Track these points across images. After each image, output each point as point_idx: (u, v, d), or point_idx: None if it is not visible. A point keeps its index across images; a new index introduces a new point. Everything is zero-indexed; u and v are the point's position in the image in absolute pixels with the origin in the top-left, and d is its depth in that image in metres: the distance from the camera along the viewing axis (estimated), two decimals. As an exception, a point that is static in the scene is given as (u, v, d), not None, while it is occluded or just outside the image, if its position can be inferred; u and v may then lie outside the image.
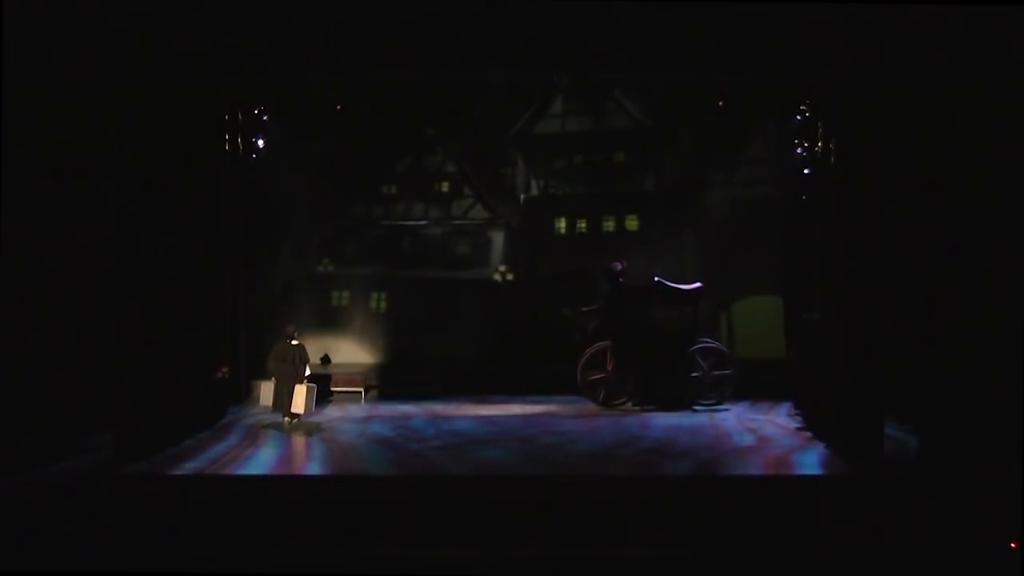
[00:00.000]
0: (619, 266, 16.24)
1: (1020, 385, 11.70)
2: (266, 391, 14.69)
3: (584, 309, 16.53)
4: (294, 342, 14.47)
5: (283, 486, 11.20)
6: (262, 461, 12.04)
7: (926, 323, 13.71)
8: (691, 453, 12.51)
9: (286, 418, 14.30)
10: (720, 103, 16.50)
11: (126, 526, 10.14)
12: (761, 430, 14.16)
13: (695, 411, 15.69)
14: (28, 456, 11.42)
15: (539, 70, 16.18)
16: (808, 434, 13.53)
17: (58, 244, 13.07)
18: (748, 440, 13.41)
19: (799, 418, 14.65)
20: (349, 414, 15.75)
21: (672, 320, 16.01)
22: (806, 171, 16.63)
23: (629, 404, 16.13)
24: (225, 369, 15.24)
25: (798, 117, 16.57)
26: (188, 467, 11.65)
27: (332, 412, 15.78)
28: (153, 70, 13.92)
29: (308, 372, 14.50)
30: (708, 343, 16.20)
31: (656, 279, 16.03)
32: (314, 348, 15.66)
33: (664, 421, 14.94)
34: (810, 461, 12.04)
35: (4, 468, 10.98)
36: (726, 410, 15.75)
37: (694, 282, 16.19)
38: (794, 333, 15.90)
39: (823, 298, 15.89)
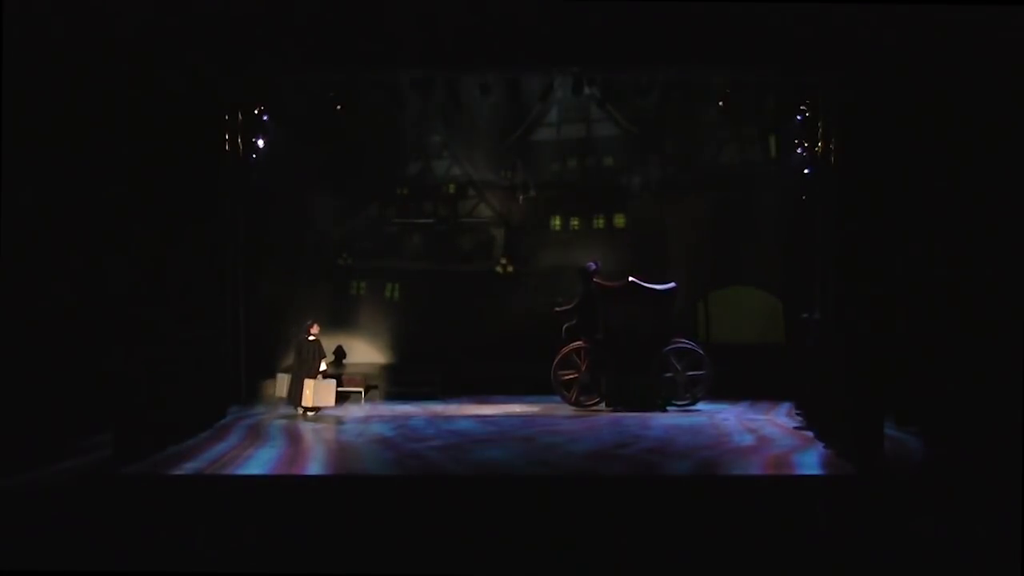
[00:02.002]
0: (593, 266, 16.34)
1: (1020, 385, 11.71)
2: (282, 383, 15.67)
3: (557, 309, 16.62)
4: (311, 337, 15.26)
5: (283, 486, 11.19)
6: (262, 461, 12.03)
7: (926, 323, 13.72)
8: (691, 453, 12.51)
9: (301, 411, 15.06)
10: (720, 103, 16.55)
11: (126, 526, 10.12)
12: (761, 430, 14.17)
13: (667, 411, 15.71)
14: (28, 456, 11.41)
15: (539, 70, 16.23)
16: (808, 434, 13.53)
17: (57, 244, 13.06)
18: (748, 440, 13.41)
19: (799, 418, 14.66)
20: (349, 414, 15.79)
21: (646, 320, 16.05)
22: (806, 171, 16.66)
23: (601, 404, 16.15)
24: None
25: (798, 117, 16.60)
26: (188, 467, 11.64)
27: (332, 412, 15.80)
28: (153, 70, 13.93)
29: (324, 367, 15.31)
30: (682, 343, 16.17)
31: (630, 279, 16.07)
32: (326, 344, 16.05)
33: (664, 421, 14.96)
34: (810, 461, 12.03)
35: (4, 468, 10.97)
36: (697, 411, 15.80)
37: (668, 282, 16.23)
38: (794, 333, 15.90)
39: (823, 298, 15.90)
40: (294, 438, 13.59)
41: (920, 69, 13.64)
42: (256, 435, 13.71)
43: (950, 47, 13.09)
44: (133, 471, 11.38)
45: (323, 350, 15.43)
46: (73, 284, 13.19)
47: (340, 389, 16.90)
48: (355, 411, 16.15)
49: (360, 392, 17.15)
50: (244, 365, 16.41)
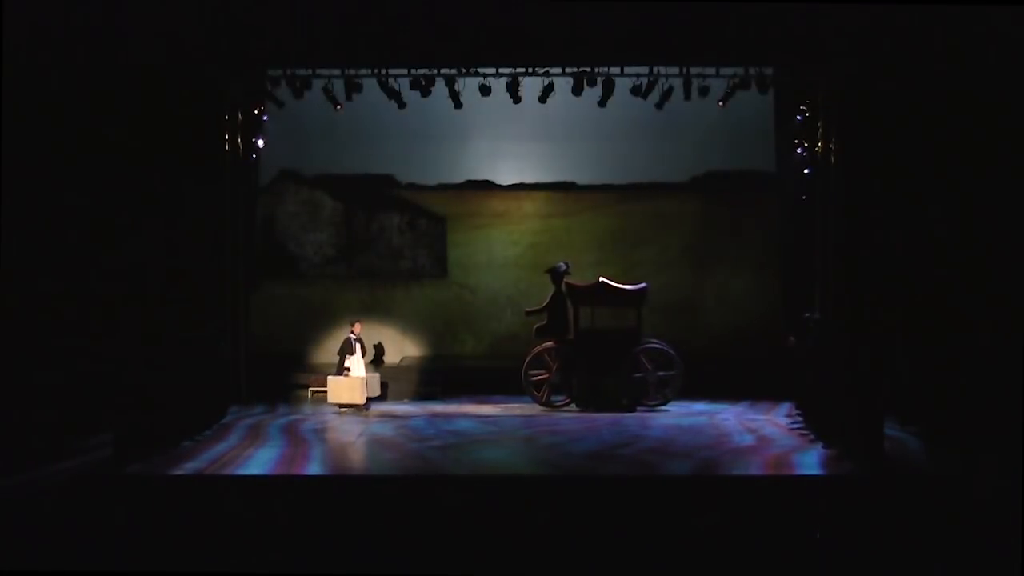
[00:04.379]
0: (563, 266, 16.38)
1: (1020, 385, 11.71)
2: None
3: (528, 309, 16.64)
4: (351, 336, 15.75)
5: (283, 486, 11.20)
6: (262, 461, 12.03)
7: (927, 323, 13.72)
8: (691, 453, 12.51)
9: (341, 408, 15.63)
10: (720, 103, 16.55)
11: (126, 526, 10.13)
12: (761, 430, 14.17)
13: (637, 412, 15.71)
14: (28, 456, 11.41)
15: (539, 68, 16.25)
16: (808, 434, 13.53)
17: (58, 244, 13.07)
18: (748, 440, 13.41)
19: (799, 418, 14.65)
20: (349, 414, 15.79)
21: (617, 321, 16.08)
22: (806, 171, 16.66)
23: (572, 405, 16.16)
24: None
25: (798, 117, 16.60)
26: (188, 467, 11.64)
27: (332, 412, 15.81)
28: (153, 69, 13.94)
29: (347, 365, 15.67)
30: (653, 343, 16.16)
31: (600, 279, 16.10)
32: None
33: (664, 421, 14.97)
34: (810, 461, 12.03)
35: (4, 468, 10.97)
36: (666, 411, 15.82)
37: (639, 283, 16.26)
38: (794, 333, 15.89)
39: (823, 298, 15.89)
40: (294, 438, 13.60)
41: (920, 68, 13.65)
42: (256, 435, 13.70)
43: (950, 46, 13.10)
44: (133, 471, 11.38)
45: (349, 347, 15.72)
46: (74, 284, 13.20)
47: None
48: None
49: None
50: (244, 365, 16.41)
